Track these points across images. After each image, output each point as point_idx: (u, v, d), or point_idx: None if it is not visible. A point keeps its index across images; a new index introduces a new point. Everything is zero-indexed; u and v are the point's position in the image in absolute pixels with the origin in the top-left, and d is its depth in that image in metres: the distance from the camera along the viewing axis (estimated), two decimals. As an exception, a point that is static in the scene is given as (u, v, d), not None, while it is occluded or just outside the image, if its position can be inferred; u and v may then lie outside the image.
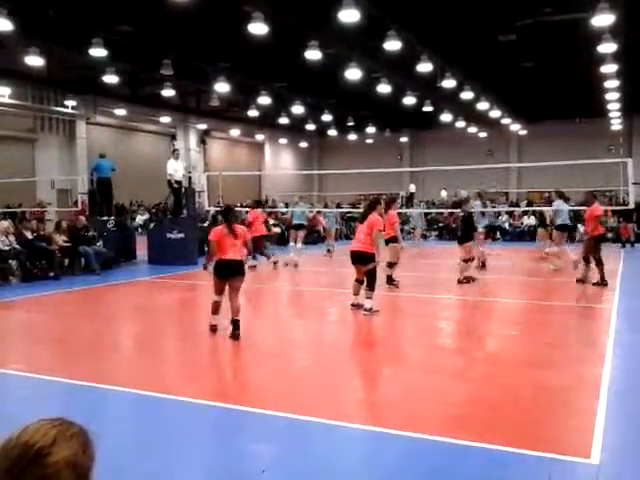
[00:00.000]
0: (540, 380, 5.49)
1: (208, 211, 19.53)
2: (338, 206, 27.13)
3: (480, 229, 14.16)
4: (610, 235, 23.28)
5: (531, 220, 24.98)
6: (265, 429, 4.50)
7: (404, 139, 36.23)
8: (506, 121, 29.83)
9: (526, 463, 3.80)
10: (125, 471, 3.60)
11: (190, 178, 17.82)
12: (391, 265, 11.30)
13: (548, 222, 15.99)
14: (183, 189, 16.43)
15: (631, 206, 14.22)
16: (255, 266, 14.48)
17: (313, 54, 15.20)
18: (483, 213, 15.55)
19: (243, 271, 7.59)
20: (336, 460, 3.97)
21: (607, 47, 15.00)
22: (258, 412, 4.70)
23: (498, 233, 24.90)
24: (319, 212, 21.74)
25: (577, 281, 11.52)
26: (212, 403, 4.96)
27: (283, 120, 28.92)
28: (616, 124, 30.32)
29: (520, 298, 11.21)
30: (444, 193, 30.61)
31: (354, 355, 6.95)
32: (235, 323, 7.26)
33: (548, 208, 15.45)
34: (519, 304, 10.52)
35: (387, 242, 11.20)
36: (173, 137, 29.71)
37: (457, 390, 5.35)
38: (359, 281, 8.83)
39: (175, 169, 15.88)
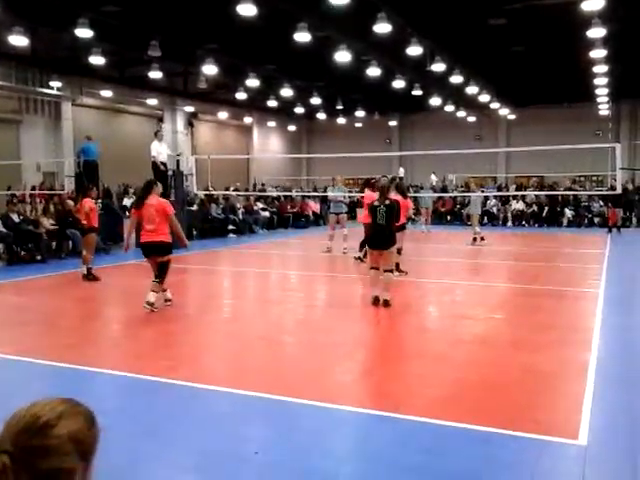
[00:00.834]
0: (528, 363, 5.55)
1: (196, 195, 19.42)
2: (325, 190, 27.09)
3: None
4: (597, 220, 23.54)
5: (519, 205, 25.10)
6: (257, 411, 4.53)
7: (393, 123, 36.11)
8: (495, 105, 29.81)
9: (514, 445, 3.85)
10: (117, 454, 3.59)
11: (178, 161, 17.69)
12: (399, 251, 11.62)
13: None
14: (170, 172, 16.30)
15: (619, 191, 14.30)
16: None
17: (302, 36, 15.04)
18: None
19: (162, 250, 7.70)
20: (328, 442, 4.01)
21: (596, 32, 14.98)
22: (249, 395, 4.72)
23: (486, 218, 24.99)
24: (308, 197, 21.74)
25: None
26: (202, 386, 4.97)
27: (272, 103, 28.69)
28: (604, 109, 30.38)
29: (504, 282, 11.30)
30: (434, 177, 30.63)
31: (345, 338, 6.98)
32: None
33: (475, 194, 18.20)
34: (503, 288, 10.60)
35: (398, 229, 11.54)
36: (160, 119, 29.40)
37: (446, 373, 5.40)
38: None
39: (158, 151, 15.72)
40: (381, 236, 8.12)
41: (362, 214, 11.95)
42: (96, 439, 1.28)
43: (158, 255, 7.91)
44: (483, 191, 22.13)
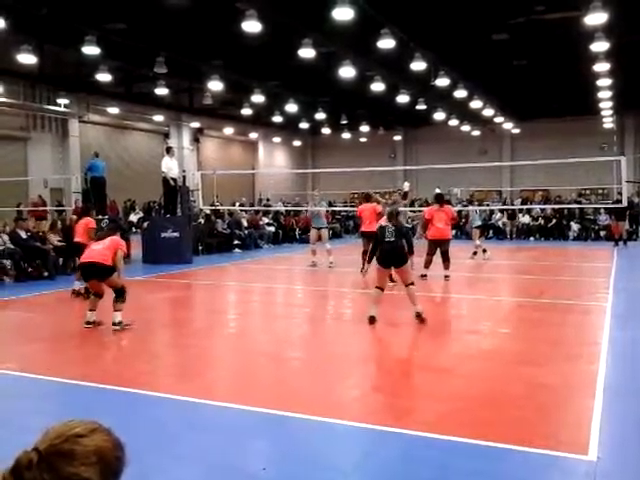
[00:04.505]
0: (535, 377, 5.52)
1: (201, 210, 19.49)
2: (330, 204, 27.20)
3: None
4: (603, 233, 23.47)
5: (525, 218, 25.05)
6: (263, 427, 4.51)
7: (397, 137, 36.26)
8: (499, 119, 29.92)
9: (522, 460, 3.82)
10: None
11: (184, 177, 17.80)
12: None
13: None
14: (178, 187, 16.42)
15: (624, 204, 14.27)
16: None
17: (307, 52, 15.18)
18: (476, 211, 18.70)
19: (101, 273, 7.61)
20: (333, 457, 3.98)
21: (600, 45, 15.05)
22: (255, 410, 4.71)
23: (491, 231, 24.96)
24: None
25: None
26: (208, 402, 4.96)
27: (277, 119, 28.89)
28: (608, 122, 30.44)
29: (511, 296, 11.26)
30: (438, 191, 30.70)
31: (349, 353, 6.96)
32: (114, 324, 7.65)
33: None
34: (510, 302, 10.56)
35: None
36: (166, 135, 29.63)
37: (451, 387, 5.37)
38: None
39: (169, 167, 15.85)
40: (392, 254, 7.97)
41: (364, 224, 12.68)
42: (121, 465, 1.36)
43: (98, 278, 7.70)
44: (482, 204, 23.45)
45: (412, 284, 8.06)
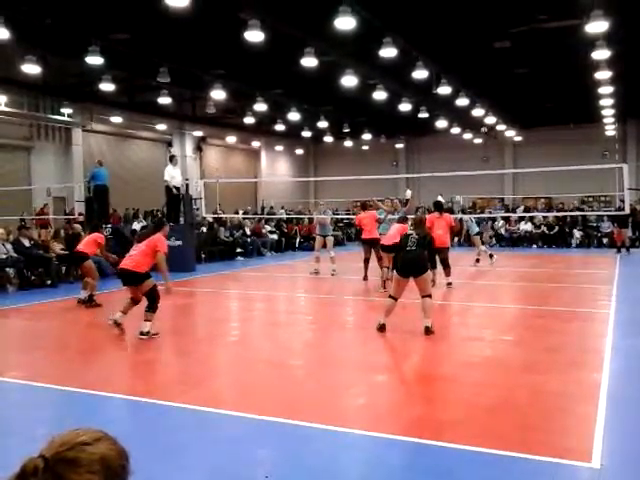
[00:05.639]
0: (539, 385, 5.51)
1: (204, 218, 19.53)
2: (333, 212, 27.22)
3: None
4: (606, 241, 23.46)
5: (527, 226, 25.05)
6: (266, 435, 4.51)
7: (400, 145, 36.28)
8: (501, 127, 29.94)
9: (527, 468, 3.81)
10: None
11: (187, 185, 17.86)
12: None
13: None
14: (181, 196, 16.47)
15: (627, 211, 14.26)
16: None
17: (309, 61, 15.22)
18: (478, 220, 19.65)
19: (135, 279, 7.74)
20: (337, 465, 3.98)
21: (601, 53, 15.07)
22: (259, 418, 4.71)
23: (494, 239, 24.97)
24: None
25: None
26: (212, 410, 4.96)
27: (279, 127, 28.93)
28: (610, 130, 30.43)
29: (514, 303, 11.24)
30: (440, 199, 30.69)
31: (353, 361, 6.95)
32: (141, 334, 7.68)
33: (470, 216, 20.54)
34: (513, 309, 10.55)
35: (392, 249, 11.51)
36: (169, 144, 29.69)
37: (456, 395, 5.37)
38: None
39: (172, 176, 15.90)
40: (412, 263, 7.85)
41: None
42: (126, 474, 1.36)
43: (133, 285, 7.88)
44: (484, 212, 24.30)
45: (429, 296, 7.92)
